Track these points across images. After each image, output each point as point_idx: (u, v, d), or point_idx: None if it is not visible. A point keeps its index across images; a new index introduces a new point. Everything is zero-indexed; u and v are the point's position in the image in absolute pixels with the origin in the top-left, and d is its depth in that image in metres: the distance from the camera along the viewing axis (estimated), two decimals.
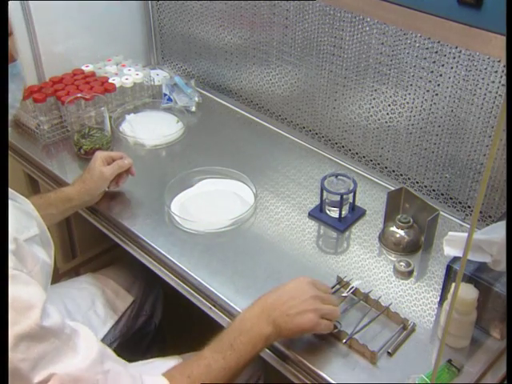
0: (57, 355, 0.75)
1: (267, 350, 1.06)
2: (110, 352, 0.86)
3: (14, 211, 0.89)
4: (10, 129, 1.62)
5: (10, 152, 1.57)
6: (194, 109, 1.74)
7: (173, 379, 0.90)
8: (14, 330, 0.72)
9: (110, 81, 1.67)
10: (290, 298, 0.97)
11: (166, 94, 1.75)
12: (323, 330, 0.99)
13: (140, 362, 1.19)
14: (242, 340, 0.93)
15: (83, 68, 1.72)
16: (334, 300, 1.03)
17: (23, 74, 0.97)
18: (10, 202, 0.90)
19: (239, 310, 1.09)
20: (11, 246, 0.79)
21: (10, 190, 0.91)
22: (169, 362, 1.19)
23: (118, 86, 1.67)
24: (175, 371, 0.93)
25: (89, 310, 1.32)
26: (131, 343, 1.41)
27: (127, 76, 1.70)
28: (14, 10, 1.53)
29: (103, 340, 1.30)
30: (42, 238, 0.99)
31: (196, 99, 1.76)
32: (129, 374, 0.86)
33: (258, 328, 0.94)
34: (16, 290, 0.75)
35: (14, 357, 0.71)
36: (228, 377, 0.92)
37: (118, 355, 1.29)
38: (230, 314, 1.11)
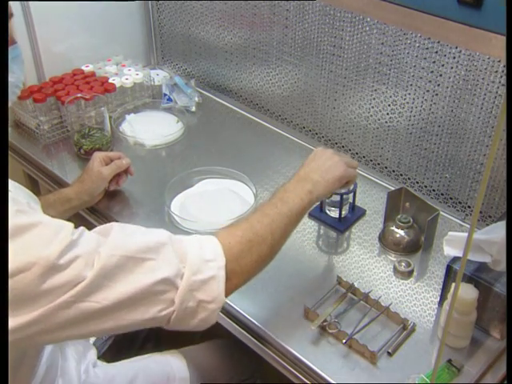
0: (93, 246, 0.79)
1: (266, 349, 1.06)
2: (128, 224, 0.89)
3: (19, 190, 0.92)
4: (10, 129, 1.62)
5: (10, 152, 1.57)
6: (194, 109, 1.74)
7: (231, 226, 0.96)
8: (56, 244, 0.74)
9: (110, 81, 1.67)
10: (317, 160, 1.09)
11: (166, 94, 1.75)
12: (351, 177, 1.13)
13: (139, 357, 1.19)
14: (289, 195, 1.01)
15: (83, 68, 1.72)
16: (350, 159, 1.15)
17: (23, 57, 0.99)
18: (13, 183, 0.92)
19: (239, 310, 1.09)
20: (24, 206, 0.81)
21: (11, 181, 0.91)
22: (167, 356, 1.20)
23: (118, 86, 1.67)
24: (234, 222, 0.98)
25: None
26: (126, 339, 1.41)
27: (127, 76, 1.70)
28: (14, 9, 1.53)
29: (98, 337, 1.30)
30: None
31: (196, 99, 1.76)
32: (155, 229, 0.87)
33: (299, 187, 1.03)
34: (42, 217, 0.78)
35: (67, 261, 0.74)
36: (284, 222, 0.97)
37: (114, 352, 1.30)
38: (230, 314, 1.11)
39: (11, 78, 0.94)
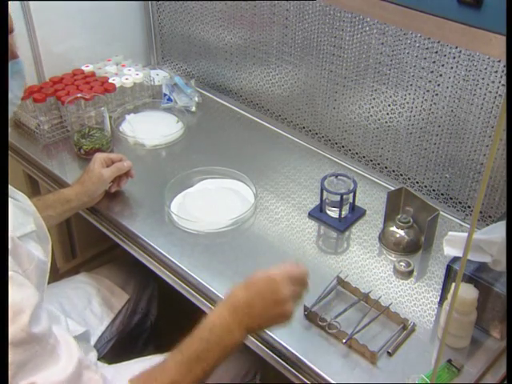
0: (38, 364, 0.74)
1: (266, 349, 1.06)
2: (91, 363, 0.84)
3: (10, 208, 0.89)
4: (10, 129, 1.62)
5: (10, 152, 1.57)
6: (194, 109, 1.74)
7: None
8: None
9: (110, 81, 1.67)
10: (264, 300, 0.90)
11: (166, 94, 1.75)
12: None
13: (140, 359, 1.19)
14: (210, 349, 0.88)
15: (83, 68, 1.72)
16: (306, 286, 0.96)
17: (24, 72, 0.96)
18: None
19: None
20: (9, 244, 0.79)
21: (9, 186, 0.91)
22: None
23: (118, 85, 1.67)
24: (140, 380, 0.89)
25: (85, 308, 1.33)
26: (128, 341, 1.42)
27: (127, 76, 1.70)
28: (14, 10, 1.53)
29: (100, 338, 1.30)
30: (39, 234, 0.99)
31: (196, 99, 1.76)
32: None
33: (228, 335, 0.89)
34: (8, 293, 0.74)
35: None
36: None
37: (115, 354, 1.30)
38: None
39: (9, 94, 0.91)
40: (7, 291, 0.72)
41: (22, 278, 0.79)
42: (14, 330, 0.73)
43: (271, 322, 0.93)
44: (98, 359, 1.19)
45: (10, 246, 0.80)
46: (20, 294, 0.76)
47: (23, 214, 0.96)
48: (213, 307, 1.14)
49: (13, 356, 0.72)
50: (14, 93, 0.94)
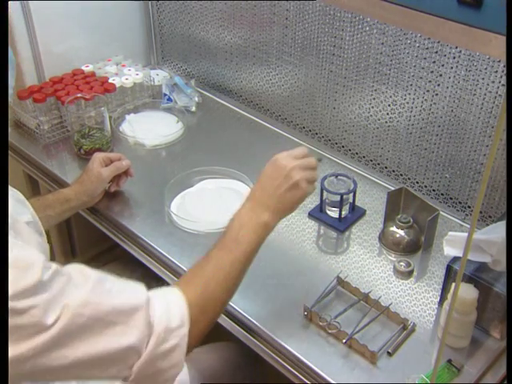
0: (61, 294, 0.75)
1: (266, 349, 1.06)
2: (107, 275, 0.85)
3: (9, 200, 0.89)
4: (10, 129, 1.62)
5: (10, 152, 1.57)
6: (194, 109, 1.74)
7: (186, 283, 0.92)
8: (19, 285, 0.71)
9: (110, 81, 1.67)
10: (274, 179, 0.99)
11: (166, 94, 1.75)
12: (311, 193, 1.02)
13: None
14: (243, 233, 0.95)
15: (83, 68, 1.72)
16: (311, 162, 1.03)
17: (14, 63, 0.97)
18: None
19: (239, 310, 1.10)
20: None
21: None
22: None
23: (118, 85, 1.67)
24: (188, 276, 0.94)
25: None
26: None
27: (127, 76, 1.70)
28: (14, 10, 1.53)
29: None
30: (35, 228, 0.99)
31: (196, 99, 1.76)
32: (133, 287, 0.85)
33: (255, 217, 0.97)
34: (14, 250, 0.74)
35: (25, 306, 0.71)
36: (238, 269, 0.94)
37: None
38: (230, 314, 1.11)
39: None
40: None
41: (24, 244, 0.79)
42: (32, 278, 0.72)
43: (289, 197, 0.98)
44: None
45: (10, 222, 0.79)
46: (25, 252, 0.76)
47: (21, 204, 0.96)
48: None
49: (38, 297, 0.72)
50: (9, 83, 0.93)
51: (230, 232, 0.97)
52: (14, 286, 0.71)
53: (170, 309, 0.85)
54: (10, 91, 0.98)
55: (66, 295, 0.75)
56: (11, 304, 0.70)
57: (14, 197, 0.96)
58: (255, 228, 0.96)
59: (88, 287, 0.78)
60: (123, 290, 0.83)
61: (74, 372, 0.77)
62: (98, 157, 1.32)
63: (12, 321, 0.70)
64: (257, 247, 0.97)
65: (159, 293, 0.88)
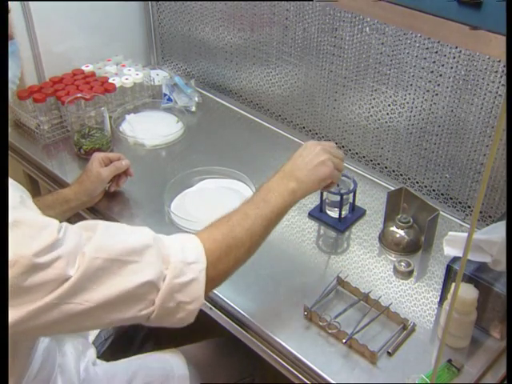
0: (78, 245, 0.79)
1: (266, 349, 1.06)
2: (112, 222, 0.89)
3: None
4: (10, 129, 1.62)
5: (10, 152, 1.57)
6: (194, 109, 1.74)
7: (212, 227, 0.95)
8: (40, 243, 0.75)
9: (110, 81, 1.67)
10: (304, 157, 1.06)
11: (166, 94, 1.75)
12: (336, 180, 1.10)
13: (139, 356, 1.19)
14: (271, 195, 1.00)
15: (83, 68, 1.72)
16: (339, 153, 1.11)
17: (20, 52, 1.00)
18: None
19: (239, 310, 1.10)
20: (17, 199, 0.81)
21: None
22: (166, 355, 1.20)
23: (118, 85, 1.67)
24: (215, 222, 0.96)
25: None
26: (125, 339, 1.41)
27: (127, 76, 1.70)
28: (14, 10, 1.53)
29: (98, 337, 1.30)
30: None
31: (196, 99, 1.76)
32: (139, 229, 0.89)
33: (283, 185, 1.02)
34: (29, 214, 0.78)
35: (48, 260, 0.75)
36: (264, 224, 0.98)
37: (114, 351, 1.30)
38: (230, 314, 1.11)
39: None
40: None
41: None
42: (51, 236, 0.76)
43: (316, 171, 1.05)
44: (97, 357, 1.19)
45: (19, 200, 0.81)
46: (38, 216, 0.80)
47: (26, 195, 0.97)
48: (213, 307, 1.14)
49: (59, 252, 0.76)
50: (13, 72, 0.97)
51: (258, 194, 1.02)
52: (34, 243, 0.74)
53: (184, 247, 0.88)
54: (17, 81, 1.00)
55: (81, 246, 0.79)
56: (34, 260, 0.73)
57: (19, 188, 0.97)
58: (283, 193, 1.01)
59: (98, 235, 0.82)
60: (130, 232, 0.86)
61: (98, 315, 0.80)
62: (98, 157, 1.32)
63: (36, 277, 0.74)
64: (283, 211, 1.01)
65: (173, 235, 0.91)
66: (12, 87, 0.98)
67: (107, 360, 1.20)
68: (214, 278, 0.90)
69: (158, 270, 0.83)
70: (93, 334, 1.29)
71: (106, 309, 0.80)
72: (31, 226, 0.76)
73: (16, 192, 0.82)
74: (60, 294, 0.75)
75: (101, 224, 0.85)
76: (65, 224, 0.81)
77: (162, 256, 0.85)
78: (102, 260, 0.79)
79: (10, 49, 0.95)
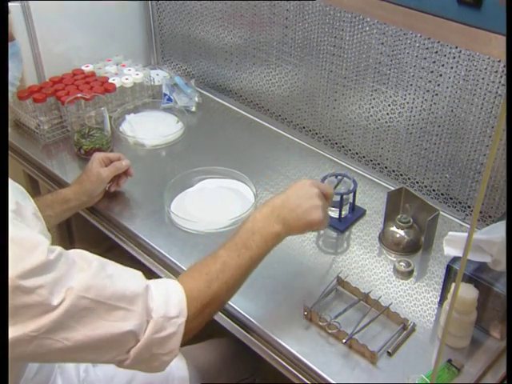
0: (65, 277, 0.77)
1: (266, 349, 1.06)
2: (108, 260, 0.88)
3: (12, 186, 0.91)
4: (10, 129, 1.62)
5: (10, 152, 1.57)
6: (194, 109, 1.74)
7: (191, 278, 0.93)
8: (27, 264, 0.73)
9: (110, 81, 1.67)
10: (298, 197, 1.01)
11: (166, 94, 1.75)
12: (322, 228, 1.07)
13: None
14: (254, 239, 0.97)
15: (83, 68, 1.72)
16: (331, 193, 1.08)
17: (21, 54, 0.99)
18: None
19: (239, 310, 1.10)
20: (12, 207, 0.79)
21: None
22: None
23: (118, 85, 1.67)
24: (193, 270, 0.96)
25: None
26: None
27: (127, 76, 1.70)
28: (14, 10, 1.53)
29: None
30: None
31: (196, 99, 1.76)
32: (133, 274, 0.88)
33: (269, 226, 0.98)
34: (20, 232, 0.76)
35: (32, 285, 0.73)
36: (243, 273, 0.97)
37: None
38: (230, 314, 1.11)
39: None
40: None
41: (29, 227, 0.81)
42: (38, 258, 0.74)
43: (305, 216, 1.00)
44: None
45: (14, 207, 0.80)
46: (31, 233, 0.78)
47: (24, 196, 0.96)
48: None
49: (43, 277, 0.74)
50: (13, 74, 0.96)
51: (241, 234, 0.98)
52: (21, 264, 0.73)
53: (169, 298, 0.87)
54: (16, 83, 0.99)
55: (71, 278, 0.77)
56: (19, 282, 0.72)
57: (19, 189, 0.97)
58: (267, 237, 0.98)
59: (91, 271, 0.80)
60: (124, 276, 0.85)
61: (73, 355, 0.79)
62: (98, 157, 1.32)
63: (19, 300, 0.72)
64: (264, 255, 0.99)
65: (160, 282, 0.90)
66: (11, 89, 0.97)
67: None
68: (191, 329, 0.90)
69: (141, 321, 0.83)
70: None
71: (83, 350, 0.79)
72: (21, 244, 0.74)
73: (12, 197, 0.81)
74: (40, 327, 0.74)
75: (96, 261, 0.83)
76: (59, 248, 0.79)
77: (147, 307, 0.84)
78: (90, 300, 0.78)
79: (11, 50, 0.95)
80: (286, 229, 1.00)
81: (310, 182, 1.04)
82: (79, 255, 0.82)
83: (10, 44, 0.94)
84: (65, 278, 0.76)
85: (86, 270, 0.80)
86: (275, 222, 0.99)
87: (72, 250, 0.83)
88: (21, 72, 1.00)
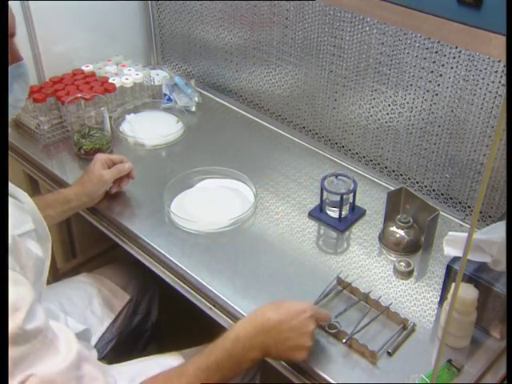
0: (36, 357, 0.74)
1: None
2: (90, 356, 0.85)
3: (9, 207, 0.89)
4: (10, 129, 1.62)
5: (10, 152, 1.57)
6: (194, 109, 1.74)
7: None
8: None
9: (110, 81, 1.67)
10: (290, 328, 0.94)
11: (166, 94, 1.75)
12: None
13: (141, 359, 1.19)
14: (229, 361, 0.92)
15: (83, 68, 1.72)
16: (327, 317, 1.03)
17: (28, 75, 0.95)
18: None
19: (239, 310, 1.10)
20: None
21: (9, 184, 0.91)
22: (168, 359, 1.20)
23: (118, 85, 1.67)
24: (159, 380, 0.92)
25: (86, 309, 1.32)
26: (129, 341, 1.41)
27: (127, 76, 1.70)
28: (14, 10, 1.52)
29: (101, 339, 1.30)
30: (39, 232, 0.98)
31: (196, 99, 1.76)
32: (105, 381, 0.84)
33: (248, 352, 0.94)
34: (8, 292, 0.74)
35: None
36: None
37: (116, 354, 1.30)
38: (230, 314, 1.11)
39: (12, 98, 0.90)
40: (7, 289, 0.72)
41: (19, 276, 0.79)
42: (10, 327, 0.73)
43: (289, 352, 0.95)
44: (99, 360, 1.19)
45: (9, 243, 0.79)
46: (16, 291, 0.76)
47: (21, 212, 0.96)
48: (213, 307, 1.14)
49: (10, 351, 0.72)
50: (18, 96, 0.93)
51: (217, 352, 0.93)
52: None
53: None
54: (20, 105, 0.95)
55: (39, 362, 0.74)
56: None
57: (15, 204, 0.95)
58: (243, 362, 0.94)
59: (63, 364, 0.76)
60: (96, 382, 0.81)
61: None
62: (100, 158, 1.31)
63: None
64: (234, 377, 0.95)
65: None
66: (15, 112, 0.93)
67: (109, 363, 1.20)
68: None
69: None
70: (95, 336, 1.29)
71: None
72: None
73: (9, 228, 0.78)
74: None
75: (76, 354, 0.80)
76: (41, 321, 0.76)
77: None
78: None
79: (18, 70, 0.91)
80: (264, 354, 0.95)
81: (310, 314, 0.96)
82: (63, 337, 0.79)
83: (16, 65, 0.91)
84: (32, 360, 0.73)
85: (59, 360, 0.76)
86: (256, 348, 0.93)
87: (59, 327, 0.80)
88: (26, 94, 0.96)
